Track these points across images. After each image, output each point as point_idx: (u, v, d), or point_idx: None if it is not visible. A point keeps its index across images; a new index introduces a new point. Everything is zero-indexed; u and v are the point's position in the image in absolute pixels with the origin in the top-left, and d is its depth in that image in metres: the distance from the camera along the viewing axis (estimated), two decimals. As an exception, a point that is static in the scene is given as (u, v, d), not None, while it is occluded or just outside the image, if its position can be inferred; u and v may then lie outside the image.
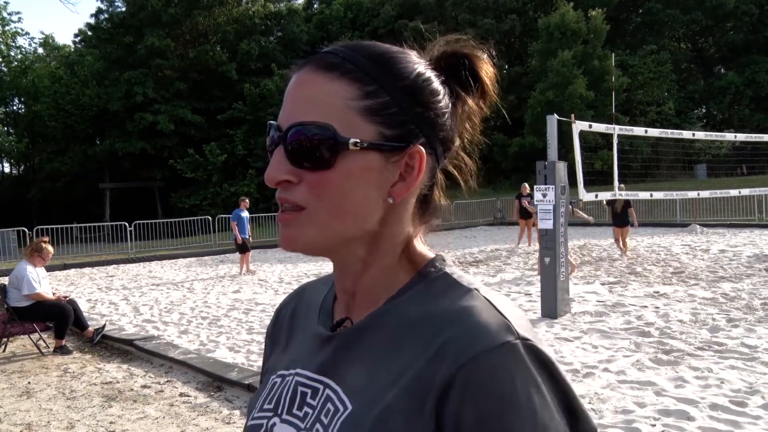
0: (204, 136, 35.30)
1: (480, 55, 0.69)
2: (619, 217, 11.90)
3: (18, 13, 75.97)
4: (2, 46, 41.47)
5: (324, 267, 12.64)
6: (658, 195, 10.92)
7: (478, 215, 24.75)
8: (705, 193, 12.29)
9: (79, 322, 6.86)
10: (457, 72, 0.68)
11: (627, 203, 11.73)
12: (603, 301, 7.66)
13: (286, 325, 0.80)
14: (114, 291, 11.06)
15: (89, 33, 40.11)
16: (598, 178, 20.33)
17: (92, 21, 38.91)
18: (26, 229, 17.33)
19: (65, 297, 7.05)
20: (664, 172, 27.16)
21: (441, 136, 0.66)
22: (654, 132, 11.16)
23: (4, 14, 41.50)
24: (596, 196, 9.12)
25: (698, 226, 17.46)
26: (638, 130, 10.67)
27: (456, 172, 0.71)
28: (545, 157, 7.10)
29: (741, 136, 16.23)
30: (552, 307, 6.87)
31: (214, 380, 5.19)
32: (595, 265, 11.10)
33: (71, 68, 38.18)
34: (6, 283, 6.84)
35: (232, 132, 34.90)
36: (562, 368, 0.59)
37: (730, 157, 28.27)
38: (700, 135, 15.03)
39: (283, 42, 39.29)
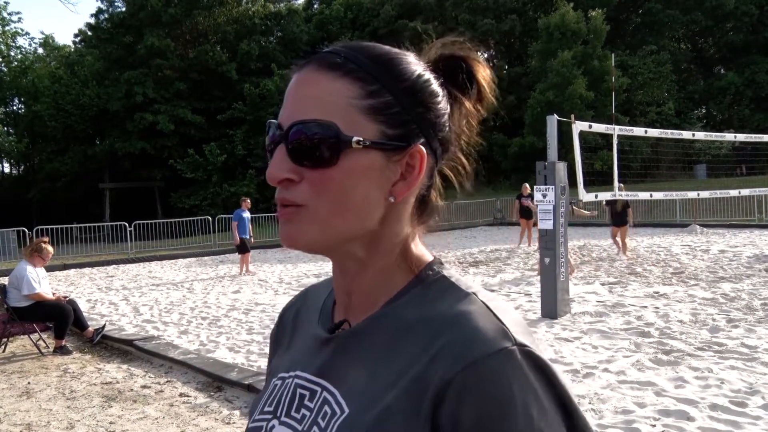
0: (204, 136, 35.30)
1: (476, 58, 0.70)
2: (619, 217, 11.91)
3: (18, 13, 76.01)
4: (2, 46, 41.47)
5: (324, 267, 12.64)
6: (658, 195, 10.92)
7: (478, 215, 24.75)
8: (705, 194, 12.30)
9: (79, 323, 6.86)
10: (454, 74, 0.69)
11: (626, 204, 11.75)
12: (603, 302, 7.66)
13: (289, 328, 0.81)
14: (114, 291, 11.06)
15: (89, 33, 40.11)
16: (598, 179, 20.33)
17: (92, 21, 38.93)
18: (26, 229, 17.32)
19: (65, 297, 7.05)
20: (663, 173, 27.16)
21: (440, 137, 0.67)
22: (654, 132, 11.16)
23: (4, 14, 41.51)
24: (596, 196, 9.12)
25: (698, 227, 17.46)
26: (638, 131, 10.67)
27: (452, 174, 0.71)
28: (545, 157, 7.10)
29: (741, 137, 16.21)
30: (552, 307, 6.87)
31: (214, 380, 5.20)
32: (595, 266, 11.10)
33: (71, 68, 38.16)
34: (6, 283, 6.84)
35: (232, 132, 34.90)
36: (559, 373, 0.59)
37: (730, 158, 28.27)
38: (700, 135, 15.03)
39: (283, 42, 39.29)
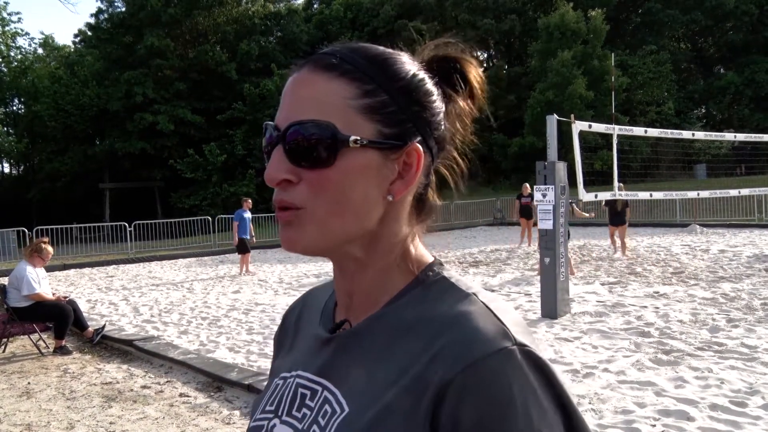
0: (204, 136, 35.30)
1: (468, 59, 0.71)
2: (618, 216, 11.92)
3: (18, 13, 76.09)
4: (2, 47, 41.49)
5: (324, 267, 12.64)
6: (658, 195, 10.92)
7: (478, 215, 24.75)
8: (705, 193, 12.29)
9: (79, 323, 6.86)
10: (448, 74, 0.70)
11: (626, 203, 11.76)
12: (603, 302, 7.66)
13: (292, 329, 0.82)
14: (114, 291, 11.06)
15: (89, 33, 40.13)
16: (597, 179, 20.34)
17: (92, 21, 38.95)
18: (26, 230, 17.32)
19: (65, 297, 7.05)
20: (663, 172, 27.17)
21: (436, 135, 0.67)
22: (654, 132, 11.16)
23: (4, 14, 41.55)
24: (596, 196, 9.12)
25: (698, 226, 17.47)
26: (638, 130, 10.67)
27: (448, 172, 0.72)
28: (545, 157, 7.10)
29: (740, 136, 16.23)
30: (552, 307, 6.87)
31: (213, 380, 5.20)
32: (595, 266, 11.10)
33: (71, 68, 38.17)
34: (6, 283, 6.84)
35: (231, 132, 34.91)
36: (558, 373, 0.60)
37: (730, 157, 28.27)
38: (700, 135, 15.03)
39: (283, 42, 39.30)
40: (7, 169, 48.89)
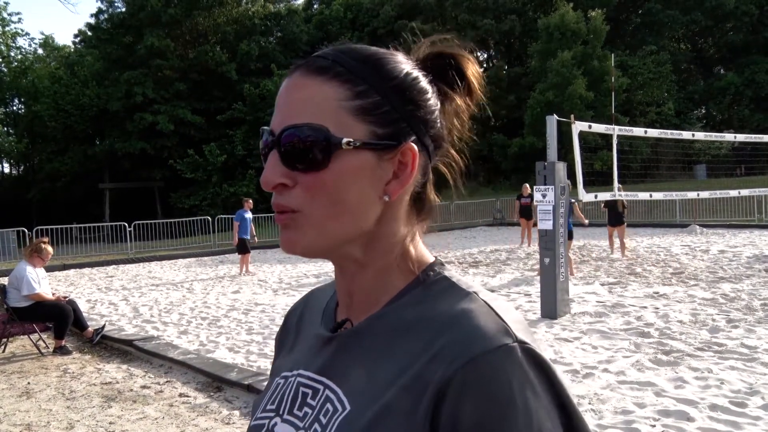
0: (204, 136, 35.30)
1: (465, 54, 0.70)
2: (618, 217, 11.90)
3: (18, 13, 76.18)
4: (2, 47, 41.49)
5: (324, 267, 12.64)
6: (658, 195, 10.92)
7: (478, 216, 24.75)
8: (705, 194, 12.31)
9: (79, 323, 6.86)
10: (444, 71, 0.69)
11: (623, 204, 11.76)
12: (603, 302, 7.66)
13: (293, 329, 0.82)
14: (113, 291, 11.06)
15: (89, 33, 40.12)
16: (597, 179, 20.34)
17: (92, 21, 38.93)
18: (26, 230, 17.31)
19: (65, 297, 7.05)
20: (663, 173, 27.17)
21: (432, 134, 0.67)
22: (653, 132, 11.16)
23: (4, 15, 41.54)
24: (596, 196, 9.12)
25: (698, 227, 17.47)
26: (638, 131, 10.67)
27: (447, 170, 0.72)
28: (545, 157, 7.10)
29: (740, 137, 16.21)
30: (552, 307, 6.87)
31: (213, 380, 5.20)
32: (595, 266, 11.10)
33: (71, 68, 38.18)
34: (6, 283, 6.84)
35: (231, 132, 34.90)
36: (559, 371, 0.60)
37: (730, 158, 28.27)
38: (700, 135, 15.04)
39: (283, 42, 39.30)
40: (7, 169, 48.94)
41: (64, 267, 15.14)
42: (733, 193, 12.20)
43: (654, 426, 3.75)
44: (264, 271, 12.95)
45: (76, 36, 45.43)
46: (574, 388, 4.44)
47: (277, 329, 0.83)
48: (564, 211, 7.11)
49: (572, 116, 7.95)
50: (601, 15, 30.91)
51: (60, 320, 6.62)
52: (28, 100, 40.63)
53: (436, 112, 0.67)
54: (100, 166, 37.44)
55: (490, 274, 10.79)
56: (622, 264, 11.13)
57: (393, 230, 0.67)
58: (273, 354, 0.85)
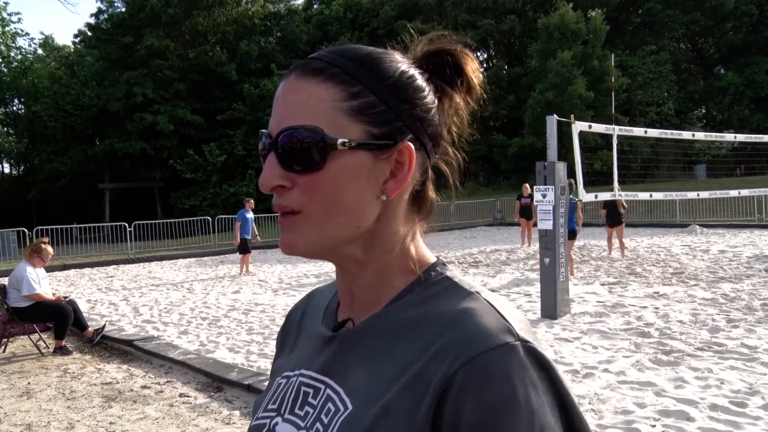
0: (203, 136, 35.32)
1: (463, 51, 0.70)
2: (617, 217, 11.89)
3: (18, 13, 76.26)
4: (2, 47, 41.51)
5: (324, 267, 12.64)
6: (658, 195, 10.92)
7: (478, 216, 24.74)
8: (705, 194, 12.31)
9: (79, 323, 6.86)
10: (442, 68, 0.69)
11: (623, 204, 11.76)
12: (603, 302, 7.66)
13: (294, 329, 0.82)
14: (114, 291, 11.06)
15: (89, 33, 40.14)
16: (597, 179, 20.33)
17: (92, 21, 38.97)
18: (26, 230, 17.32)
19: (65, 297, 7.05)
20: (663, 173, 27.16)
21: (429, 132, 0.67)
22: (653, 132, 11.16)
23: (4, 15, 41.58)
24: (596, 196, 9.12)
25: (698, 227, 17.47)
26: (638, 131, 10.67)
27: (446, 168, 0.72)
28: (545, 157, 7.10)
29: (740, 137, 16.21)
30: (552, 307, 6.87)
31: (213, 381, 5.20)
32: (595, 266, 11.10)
33: (71, 69, 38.19)
34: (6, 283, 6.84)
35: (231, 132, 34.92)
36: (560, 371, 0.60)
37: (730, 158, 28.26)
38: (700, 135, 15.03)
39: (283, 42, 39.32)
40: (7, 170, 48.92)
41: (65, 267, 15.14)
42: (733, 193, 12.19)
43: (654, 426, 3.75)
44: (264, 271, 12.95)
45: (76, 36, 45.50)
46: (574, 388, 4.44)
47: (277, 329, 0.82)
48: (564, 210, 7.11)
49: (572, 116, 7.95)
50: (601, 15, 30.91)
51: (60, 320, 6.62)
52: (28, 100, 40.64)
53: (434, 110, 0.67)
54: (100, 166, 37.45)
55: (490, 274, 10.79)
56: (622, 264, 11.13)
57: (392, 229, 0.67)
58: (273, 354, 0.85)
